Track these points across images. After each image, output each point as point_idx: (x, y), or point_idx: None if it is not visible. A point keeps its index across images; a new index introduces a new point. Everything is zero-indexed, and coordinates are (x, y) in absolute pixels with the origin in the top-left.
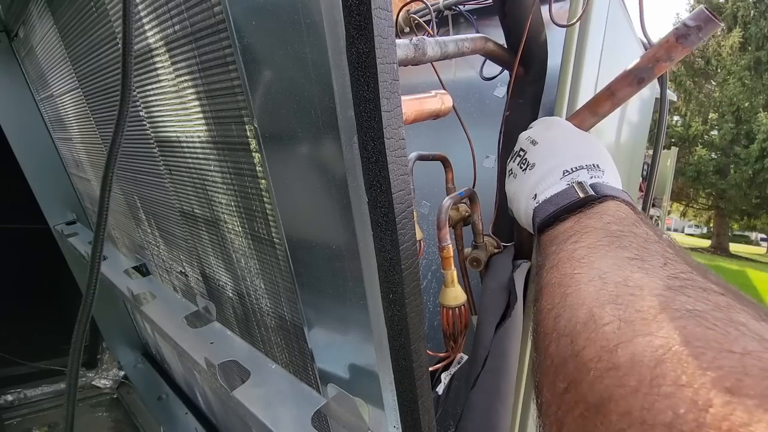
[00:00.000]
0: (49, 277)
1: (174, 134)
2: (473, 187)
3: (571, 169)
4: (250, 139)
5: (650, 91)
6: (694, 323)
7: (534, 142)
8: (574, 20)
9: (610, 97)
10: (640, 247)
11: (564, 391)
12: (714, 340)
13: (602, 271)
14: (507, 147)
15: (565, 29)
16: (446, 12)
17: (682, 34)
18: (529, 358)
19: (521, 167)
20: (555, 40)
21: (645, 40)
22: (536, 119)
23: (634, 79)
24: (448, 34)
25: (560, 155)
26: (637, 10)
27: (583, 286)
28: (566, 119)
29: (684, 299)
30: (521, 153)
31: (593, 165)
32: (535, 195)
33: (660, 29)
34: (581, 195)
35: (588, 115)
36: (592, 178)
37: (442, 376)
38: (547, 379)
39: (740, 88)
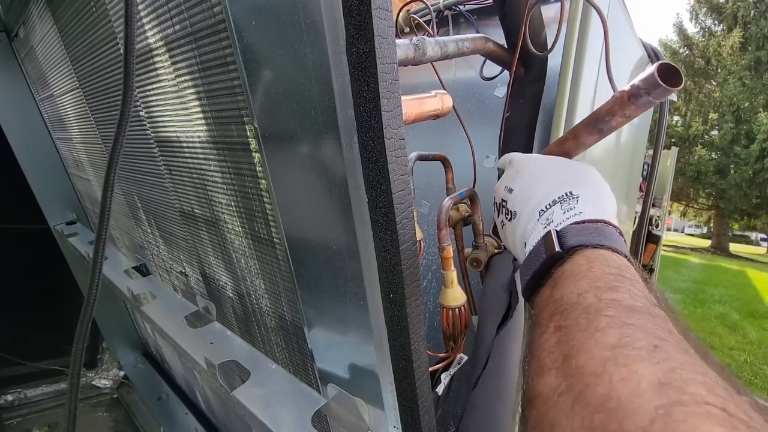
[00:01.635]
0: (49, 277)
1: (174, 134)
2: (473, 187)
3: (546, 207)
4: (250, 139)
5: None
6: None
7: (510, 190)
8: (549, 49)
9: (573, 139)
10: (622, 323)
11: None
12: None
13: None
14: (507, 147)
15: (565, 29)
16: (446, 12)
17: (633, 94)
18: None
19: (507, 218)
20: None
21: (642, 48)
22: (536, 119)
23: (594, 128)
24: (448, 34)
25: (534, 197)
26: (637, 11)
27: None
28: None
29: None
30: (503, 203)
31: (565, 195)
32: (525, 243)
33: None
34: (545, 255)
35: (555, 151)
36: (565, 212)
37: (442, 376)
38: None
39: (740, 88)
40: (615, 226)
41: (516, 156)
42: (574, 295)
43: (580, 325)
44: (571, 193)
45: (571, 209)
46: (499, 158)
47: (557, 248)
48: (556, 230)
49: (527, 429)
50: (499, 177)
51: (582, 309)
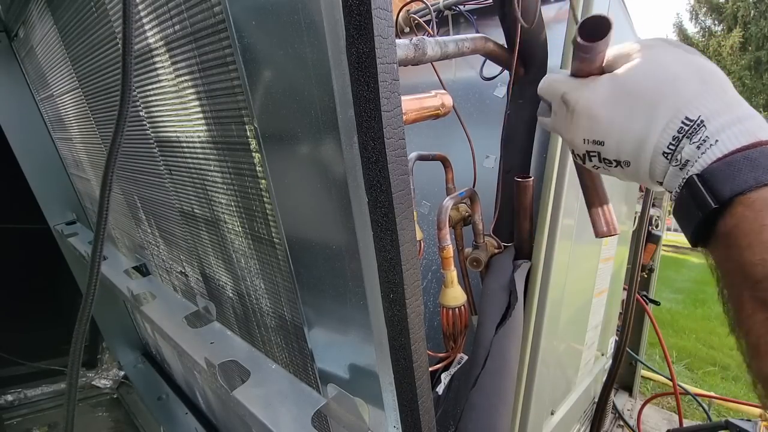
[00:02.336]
0: (49, 277)
1: (174, 134)
2: (473, 187)
3: (669, 148)
4: (250, 139)
5: None
6: None
7: (598, 142)
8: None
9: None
10: None
11: None
12: None
13: None
14: (509, 147)
15: (565, 29)
16: (446, 12)
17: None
18: (529, 357)
19: (609, 165)
20: (555, 40)
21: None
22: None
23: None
24: (448, 34)
25: (644, 140)
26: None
27: None
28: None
29: None
30: (593, 155)
31: (684, 124)
32: (659, 182)
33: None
34: (699, 212)
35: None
36: (699, 147)
37: (442, 376)
38: None
39: (740, 88)
40: (763, 143)
41: (572, 94)
42: (758, 262)
43: None
44: (688, 119)
45: (704, 141)
46: (500, 158)
47: (712, 203)
48: (698, 175)
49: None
50: (539, 71)
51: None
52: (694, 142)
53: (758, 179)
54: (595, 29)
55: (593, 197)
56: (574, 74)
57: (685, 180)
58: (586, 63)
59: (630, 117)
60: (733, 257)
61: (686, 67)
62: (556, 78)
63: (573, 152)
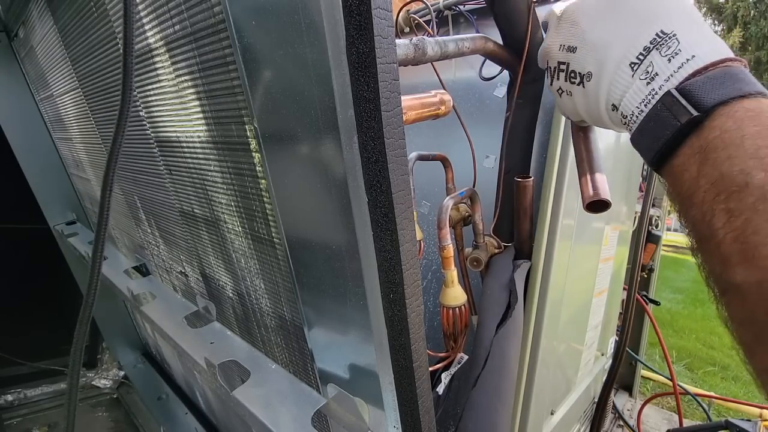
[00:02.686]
0: (49, 277)
1: (174, 134)
2: (473, 187)
3: (638, 58)
4: (250, 139)
5: None
6: None
7: (571, 48)
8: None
9: None
10: None
11: None
12: None
13: None
14: (509, 147)
15: None
16: (446, 12)
17: None
18: (529, 357)
19: (572, 81)
20: None
21: None
22: (536, 119)
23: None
24: (448, 34)
25: (614, 47)
26: None
27: None
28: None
29: None
30: (562, 66)
31: (657, 36)
32: (614, 106)
33: None
34: (676, 120)
35: None
36: (670, 60)
37: (442, 376)
38: None
39: None
40: (740, 60)
41: (565, 5)
42: (737, 173)
43: (763, 214)
44: (662, 32)
45: (676, 54)
46: (500, 158)
47: (693, 111)
48: (676, 88)
49: (734, 322)
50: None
51: (758, 193)
52: (665, 55)
53: (742, 90)
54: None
55: (584, 166)
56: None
57: (654, 93)
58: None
59: (605, 24)
60: (708, 172)
61: None
62: (561, 2)
63: (546, 70)
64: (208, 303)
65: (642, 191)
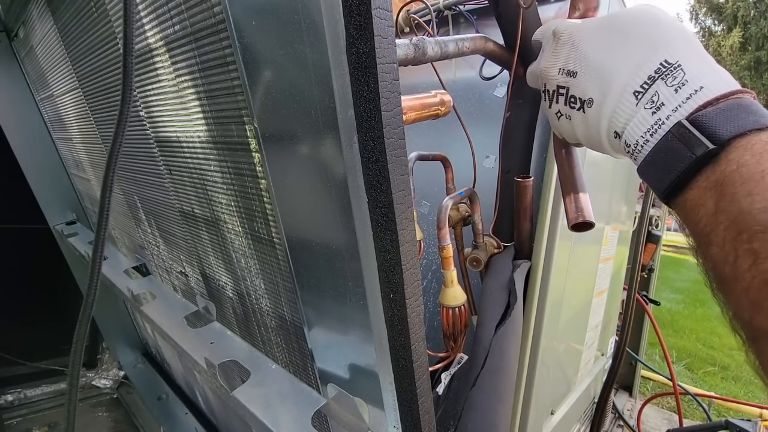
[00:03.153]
0: (49, 277)
1: (174, 134)
2: (473, 187)
3: (642, 87)
4: (250, 139)
5: None
6: None
7: (572, 73)
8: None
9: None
10: None
11: None
12: None
13: None
14: (508, 147)
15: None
16: (446, 12)
17: None
18: (529, 357)
19: (573, 106)
20: None
21: None
22: (536, 119)
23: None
24: (448, 34)
25: (617, 75)
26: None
27: None
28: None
29: None
30: (561, 91)
31: (661, 66)
32: (616, 133)
33: None
34: (690, 152)
35: (574, 15)
36: (677, 91)
37: (442, 376)
38: None
39: None
40: (749, 92)
41: (562, 26)
42: (759, 210)
43: None
44: (667, 62)
45: (683, 85)
46: (500, 158)
47: (708, 144)
48: (686, 119)
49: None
50: (537, 55)
51: None
52: (671, 85)
53: (758, 122)
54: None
55: (568, 185)
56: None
57: (661, 123)
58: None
59: (608, 50)
60: (726, 208)
61: (672, 20)
62: (552, 21)
63: (543, 92)
64: (208, 303)
65: (642, 191)
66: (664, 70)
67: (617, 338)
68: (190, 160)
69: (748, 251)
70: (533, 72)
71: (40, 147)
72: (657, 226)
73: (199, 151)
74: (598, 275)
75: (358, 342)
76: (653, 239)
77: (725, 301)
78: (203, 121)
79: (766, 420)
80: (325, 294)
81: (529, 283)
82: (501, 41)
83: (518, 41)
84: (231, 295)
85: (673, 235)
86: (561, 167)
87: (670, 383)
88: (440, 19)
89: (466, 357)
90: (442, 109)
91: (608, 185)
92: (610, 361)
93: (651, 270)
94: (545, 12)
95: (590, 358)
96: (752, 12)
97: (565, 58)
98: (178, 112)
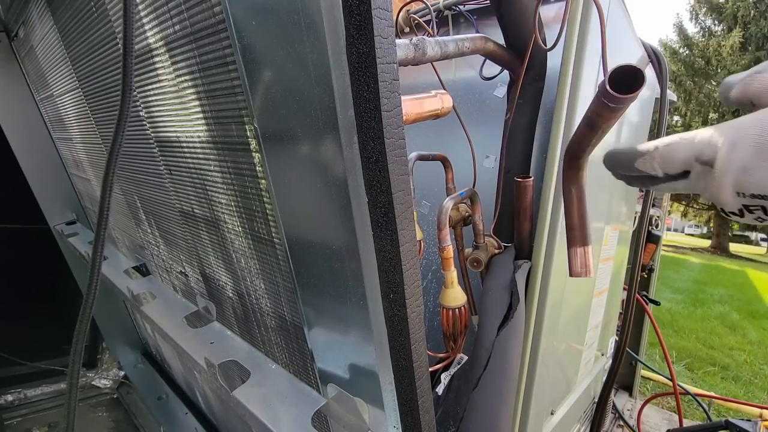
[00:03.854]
0: (49, 277)
1: (174, 134)
2: (473, 187)
3: None
4: (250, 139)
5: (650, 91)
6: None
7: (760, 197)
8: (551, 46)
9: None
10: None
11: None
12: None
13: None
14: (509, 147)
15: (565, 29)
16: (446, 12)
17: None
18: (529, 357)
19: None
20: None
21: (642, 47)
22: (536, 120)
23: (587, 125)
24: (448, 34)
25: None
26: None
27: None
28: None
29: None
30: (755, 207)
31: None
32: None
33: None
34: None
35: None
36: None
37: (442, 376)
38: None
39: None
40: None
41: (708, 150)
42: None
43: None
44: None
45: None
46: (501, 158)
47: None
48: None
49: None
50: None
51: None
52: None
53: None
54: (626, 78)
55: (576, 237)
56: (591, 121)
57: None
58: (610, 112)
59: None
60: None
61: None
62: (671, 144)
63: (722, 210)
64: (208, 303)
65: (642, 191)
66: None
67: (617, 338)
68: (190, 160)
69: None
70: (673, 188)
71: (40, 147)
72: (657, 226)
73: (199, 151)
74: (598, 275)
75: (358, 342)
76: (653, 239)
77: None
78: (203, 121)
79: (766, 420)
80: (325, 294)
81: (529, 283)
82: (501, 41)
83: (531, 44)
84: (231, 295)
85: (673, 235)
86: (570, 214)
87: (670, 383)
88: (440, 19)
89: (465, 357)
90: (442, 109)
91: (608, 185)
92: (610, 361)
93: (651, 270)
94: (546, 12)
95: (590, 358)
96: (752, 12)
97: (739, 184)
98: (178, 112)
